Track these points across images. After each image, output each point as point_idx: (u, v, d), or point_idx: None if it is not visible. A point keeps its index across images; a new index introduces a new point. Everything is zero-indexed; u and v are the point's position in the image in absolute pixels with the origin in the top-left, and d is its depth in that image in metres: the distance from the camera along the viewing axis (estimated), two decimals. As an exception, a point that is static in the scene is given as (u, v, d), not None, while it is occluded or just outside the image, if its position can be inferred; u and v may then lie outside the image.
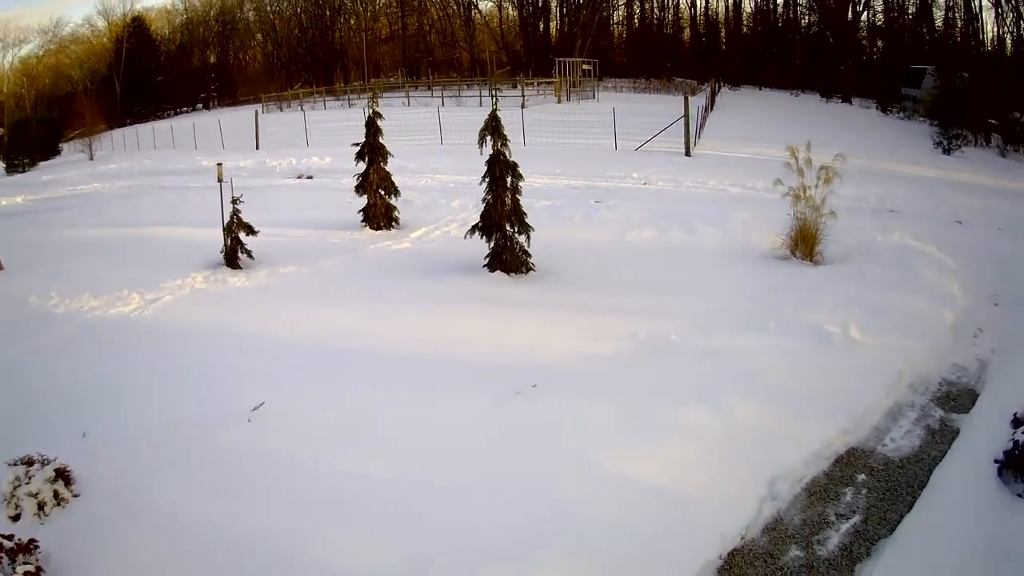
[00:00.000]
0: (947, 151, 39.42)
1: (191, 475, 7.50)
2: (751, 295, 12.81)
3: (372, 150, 16.47)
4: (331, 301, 12.24)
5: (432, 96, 57.06)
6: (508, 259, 13.20)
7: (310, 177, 24.77)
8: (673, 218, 17.50)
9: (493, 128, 13.07)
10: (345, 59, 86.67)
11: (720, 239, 16.30)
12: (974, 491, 7.95)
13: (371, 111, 16.56)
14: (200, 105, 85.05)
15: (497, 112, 13.21)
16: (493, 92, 13.59)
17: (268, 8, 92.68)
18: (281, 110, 61.59)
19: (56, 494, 7.12)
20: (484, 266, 13.35)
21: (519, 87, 52.21)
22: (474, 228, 13.42)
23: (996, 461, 8.24)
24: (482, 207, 13.42)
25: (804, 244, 14.88)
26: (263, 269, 14.02)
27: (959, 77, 53.69)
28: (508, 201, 13.14)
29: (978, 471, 8.30)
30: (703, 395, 8.99)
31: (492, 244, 13.30)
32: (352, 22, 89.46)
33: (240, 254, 14.14)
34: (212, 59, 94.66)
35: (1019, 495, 7.77)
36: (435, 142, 31.41)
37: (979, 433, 9.23)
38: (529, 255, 13.39)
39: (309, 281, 13.39)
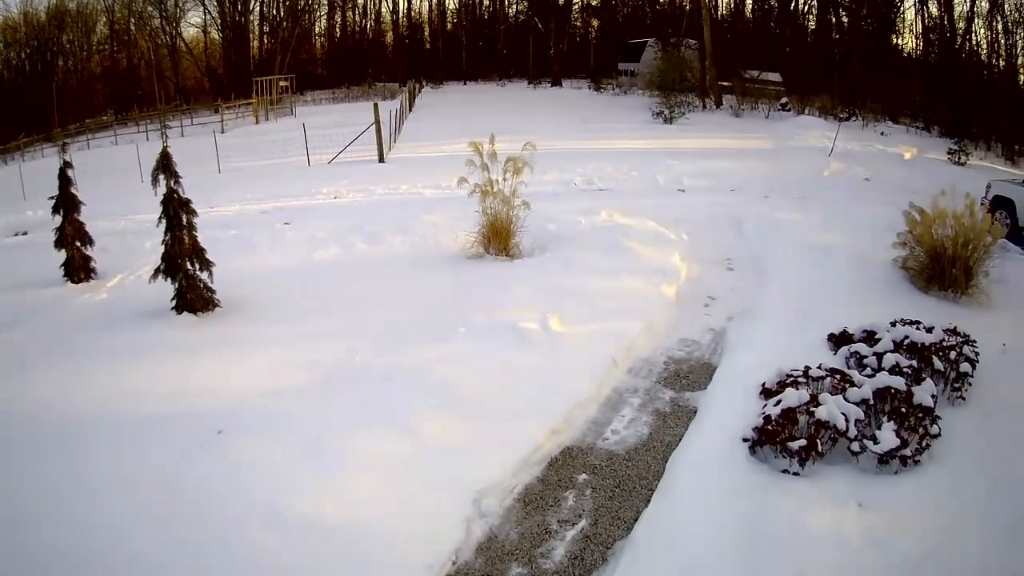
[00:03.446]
0: (669, 120, 40.61)
1: None
2: (440, 301, 12.69)
3: (66, 202, 15.57)
4: (32, 368, 11.12)
5: (139, 131, 55.16)
6: (193, 298, 12.73)
7: (25, 233, 23.01)
8: (360, 231, 17.34)
9: (164, 166, 12.52)
10: (64, 102, 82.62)
11: (409, 246, 16.28)
12: (723, 473, 7.83)
13: (62, 161, 15.71)
14: (-70, 168, 79.60)
15: (168, 149, 12.64)
16: (163, 128, 13.05)
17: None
18: (6, 163, 58.00)
19: None
20: (172, 309, 12.78)
21: (219, 112, 51.27)
22: (156, 271, 12.91)
23: (745, 439, 8.18)
24: (162, 248, 12.83)
25: (497, 239, 15.03)
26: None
27: (684, 44, 55.86)
28: (187, 239, 12.69)
29: (725, 451, 8.22)
30: (388, 417, 8.61)
31: (177, 285, 12.78)
32: (69, 63, 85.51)
33: (-52, 330, 13.07)
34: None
35: (784, 471, 7.68)
36: (136, 180, 30.00)
37: (720, 409, 9.19)
38: (213, 291, 12.98)
39: (16, 347, 12.18)
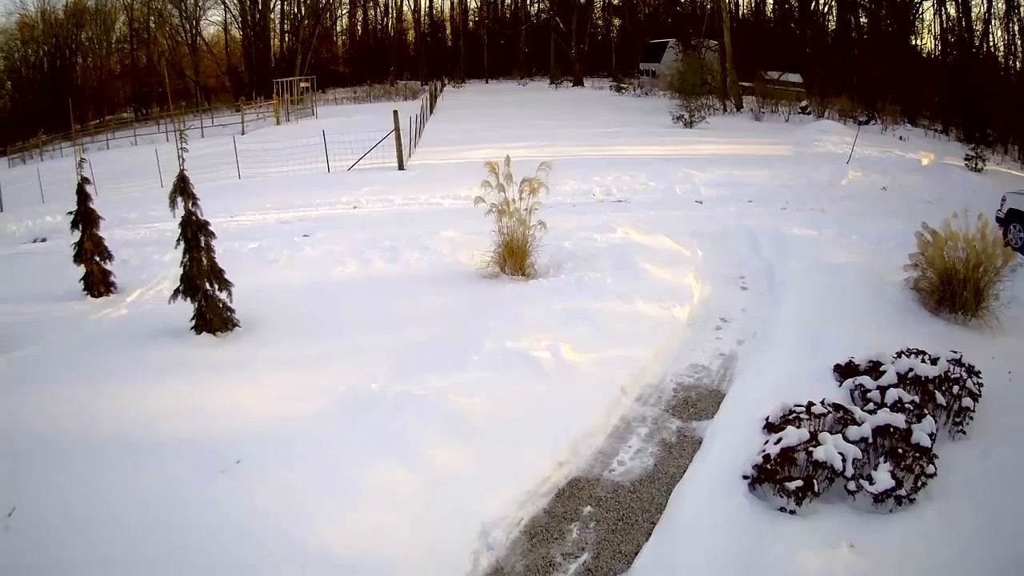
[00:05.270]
0: (689, 124, 40.51)
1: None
2: (455, 324, 12.69)
3: (85, 217, 15.75)
4: (51, 385, 11.26)
5: (159, 131, 55.24)
6: (212, 319, 12.89)
7: (44, 240, 22.94)
8: (377, 246, 17.39)
9: (182, 189, 12.71)
10: (83, 100, 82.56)
11: (426, 263, 16.27)
12: (722, 509, 7.86)
13: (79, 178, 15.80)
14: (-47, 168, 79.77)
15: (185, 172, 12.77)
16: (179, 146, 13.06)
17: (16, 55, 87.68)
18: (25, 162, 57.92)
19: None
20: (191, 329, 12.95)
21: (240, 112, 51.40)
22: (176, 292, 13.04)
23: (745, 477, 8.18)
24: (181, 270, 13.00)
25: (513, 259, 15.07)
26: (-1, 357, 12.96)
27: (705, 46, 55.68)
28: (205, 261, 12.86)
29: (726, 486, 8.23)
30: (401, 447, 8.68)
31: (196, 306, 12.95)
32: (88, 60, 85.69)
33: (-30, 341, 13.18)
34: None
35: (781, 509, 7.71)
36: (156, 184, 29.86)
37: (725, 441, 9.17)
38: (232, 311, 13.13)
39: (36, 364, 12.31)
